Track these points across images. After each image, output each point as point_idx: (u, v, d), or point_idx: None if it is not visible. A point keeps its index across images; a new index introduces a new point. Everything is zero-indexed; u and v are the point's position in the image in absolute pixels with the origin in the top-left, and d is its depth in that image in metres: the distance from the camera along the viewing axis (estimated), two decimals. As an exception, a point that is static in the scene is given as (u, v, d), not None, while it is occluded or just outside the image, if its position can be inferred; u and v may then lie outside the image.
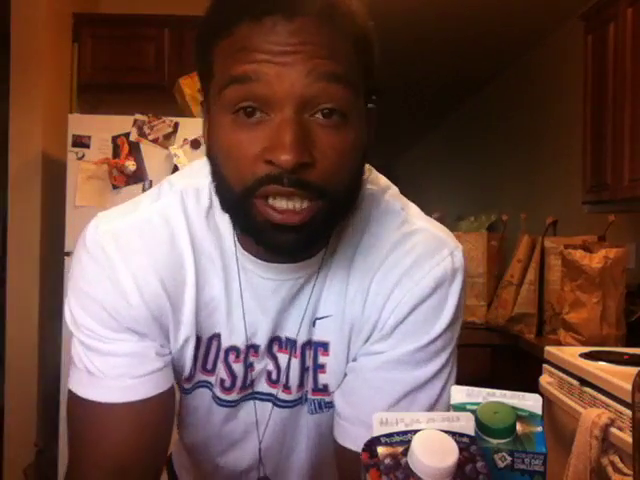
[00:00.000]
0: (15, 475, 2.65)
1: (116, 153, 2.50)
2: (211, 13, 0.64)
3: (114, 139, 2.51)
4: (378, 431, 0.48)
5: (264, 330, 0.74)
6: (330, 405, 0.76)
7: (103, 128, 2.51)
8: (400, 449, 0.46)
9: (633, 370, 0.73)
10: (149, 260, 0.69)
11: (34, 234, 2.75)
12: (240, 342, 0.74)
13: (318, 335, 0.74)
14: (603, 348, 2.08)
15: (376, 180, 0.78)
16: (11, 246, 2.76)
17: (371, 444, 0.47)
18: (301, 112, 0.59)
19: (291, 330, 0.75)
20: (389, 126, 7.29)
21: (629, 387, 0.66)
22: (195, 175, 0.75)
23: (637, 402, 0.65)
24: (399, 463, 0.45)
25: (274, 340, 0.75)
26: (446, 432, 0.46)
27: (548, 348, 2.13)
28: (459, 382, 0.71)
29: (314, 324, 0.74)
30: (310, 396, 0.77)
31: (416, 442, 0.45)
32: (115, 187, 2.49)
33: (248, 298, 0.73)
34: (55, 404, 2.47)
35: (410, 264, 0.71)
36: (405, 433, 0.47)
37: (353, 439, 0.70)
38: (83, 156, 2.50)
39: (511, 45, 4.24)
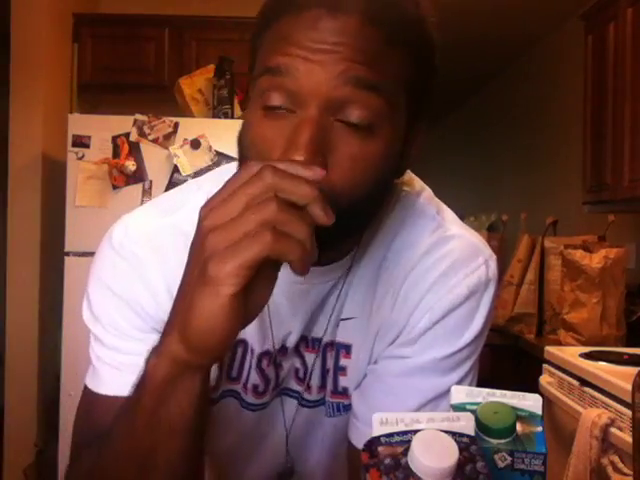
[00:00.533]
0: (15, 475, 2.65)
1: (116, 153, 2.50)
2: (263, 7, 0.63)
3: (114, 139, 2.51)
4: (378, 431, 0.48)
5: (295, 333, 0.73)
6: (349, 408, 0.75)
7: (103, 128, 2.51)
8: (400, 449, 0.46)
9: (633, 370, 0.73)
10: (178, 262, 0.68)
11: (34, 234, 2.75)
12: (272, 347, 0.73)
13: (341, 336, 0.73)
14: (603, 348, 2.08)
15: (411, 182, 0.76)
16: (11, 246, 2.76)
17: (371, 444, 0.47)
18: (325, 113, 0.57)
19: (318, 331, 0.74)
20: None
21: (629, 387, 0.66)
22: (223, 177, 0.74)
23: (637, 402, 0.65)
24: (399, 463, 0.45)
25: (302, 339, 0.74)
26: (446, 432, 0.46)
27: (548, 348, 2.13)
28: (459, 382, 0.71)
29: (338, 325, 0.73)
30: (329, 398, 0.76)
31: (416, 442, 0.45)
32: (115, 187, 2.49)
33: (279, 302, 0.71)
34: (55, 404, 2.47)
35: (444, 269, 0.69)
36: (405, 433, 0.47)
37: None
38: (83, 156, 2.50)
39: (511, 45, 4.25)
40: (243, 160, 0.63)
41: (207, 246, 0.48)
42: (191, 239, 0.68)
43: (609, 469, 1.52)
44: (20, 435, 2.72)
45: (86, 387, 0.71)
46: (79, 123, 2.52)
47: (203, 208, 0.51)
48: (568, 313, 2.38)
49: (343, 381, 0.74)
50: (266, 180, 0.48)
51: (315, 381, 0.75)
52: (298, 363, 0.75)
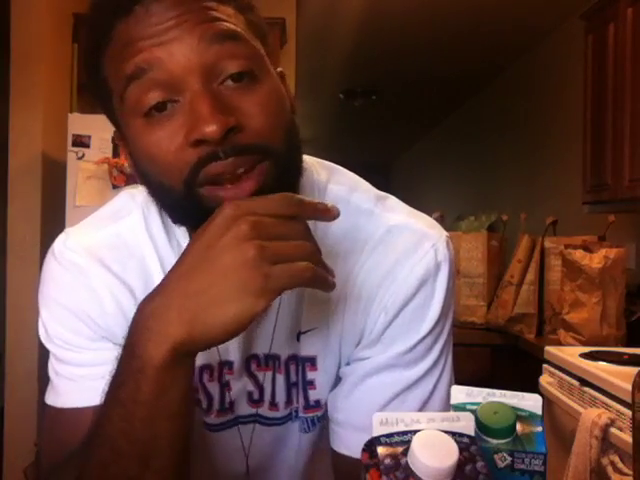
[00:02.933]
0: (15, 475, 2.65)
1: (116, 153, 2.50)
2: (90, 29, 0.62)
3: (114, 139, 2.50)
4: (378, 431, 0.48)
5: (234, 345, 0.70)
6: (323, 418, 0.74)
7: (103, 128, 2.48)
8: (400, 449, 0.46)
9: (633, 370, 0.73)
10: (120, 271, 0.69)
11: (34, 234, 2.75)
12: (212, 359, 0.71)
13: (304, 350, 0.71)
14: (603, 348, 2.08)
15: (342, 180, 0.74)
16: (11, 246, 2.76)
17: (371, 444, 0.47)
18: (209, 82, 0.56)
19: (266, 345, 0.71)
20: (389, 126, 7.30)
21: (629, 387, 0.66)
22: None
23: (637, 402, 0.65)
24: (399, 463, 0.45)
25: (251, 358, 0.72)
26: (446, 432, 0.46)
27: (548, 348, 2.13)
28: (459, 382, 0.71)
29: (298, 338, 0.71)
30: (302, 414, 0.74)
31: (416, 442, 0.45)
32: (115, 187, 2.49)
33: None
34: (55, 404, 2.47)
35: (391, 265, 0.68)
36: (405, 433, 0.47)
37: (346, 444, 0.69)
38: (83, 156, 2.50)
39: (511, 45, 4.25)
40: (149, 180, 0.61)
41: (252, 254, 0.49)
42: (131, 247, 0.69)
43: (609, 469, 1.52)
44: (20, 435, 2.72)
45: (47, 405, 0.70)
46: (79, 123, 2.52)
47: (241, 207, 0.51)
48: (568, 313, 2.38)
49: (313, 395, 0.72)
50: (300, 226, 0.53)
51: (281, 397, 0.73)
52: (250, 385, 0.73)
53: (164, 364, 0.51)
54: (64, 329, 0.69)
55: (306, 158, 0.75)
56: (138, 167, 0.62)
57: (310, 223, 0.69)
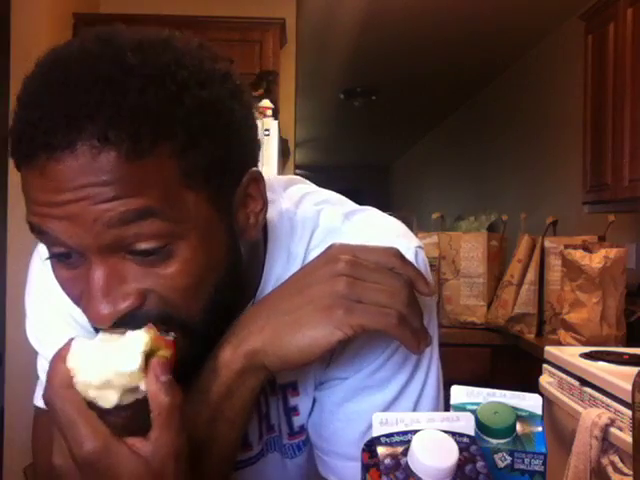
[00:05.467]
0: (15, 475, 2.65)
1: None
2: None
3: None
4: (378, 431, 0.48)
5: None
6: (308, 441, 0.71)
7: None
8: (400, 449, 0.46)
9: (633, 370, 0.73)
10: None
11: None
12: None
13: (282, 377, 0.67)
14: (603, 348, 2.08)
15: (308, 203, 0.69)
16: (11, 246, 2.76)
17: (371, 444, 0.47)
18: (109, 255, 0.50)
19: None
20: (389, 126, 7.30)
21: (629, 387, 0.66)
22: None
23: (637, 402, 0.65)
24: (399, 463, 0.45)
25: None
26: (446, 432, 0.46)
27: (548, 348, 2.13)
28: (459, 382, 0.70)
29: None
30: (287, 441, 0.70)
31: (416, 442, 0.45)
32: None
33: None
34: (55, 404, 2.47)
35: None
36: (405, 433, 0.47)
37: (334, 471, 0.67)
38: (83, 156, 2.50)
39: (511, 45, 4.25)
40: None
41: (341, 287, 0.54)
42: None
43: (609, 469, 1.52)
44: (20, 435, 2.72)
45: (36, 408, 0.69)
46: (79, 123, 2.52)
47: (343, 249, 0.57)
48: (568, 313, 2.38)
49: (298, 420, 0.70)
50: (402, 281, 0.55)
51: (254, 436, 0.69)
52: None
53: (236, 368, 0.55)
54: (51, 330, 0.69)
55: (273, 184, 0.69)
56: None
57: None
